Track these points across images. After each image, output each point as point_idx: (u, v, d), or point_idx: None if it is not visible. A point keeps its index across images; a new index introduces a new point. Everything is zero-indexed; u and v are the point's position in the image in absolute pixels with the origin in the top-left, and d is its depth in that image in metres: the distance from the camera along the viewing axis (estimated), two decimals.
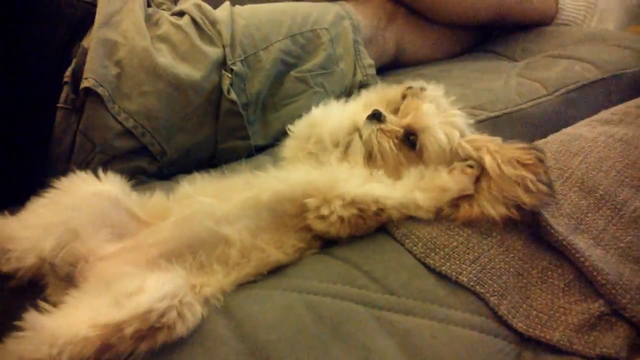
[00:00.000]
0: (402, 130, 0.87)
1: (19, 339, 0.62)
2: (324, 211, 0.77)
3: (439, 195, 0.80)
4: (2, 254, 0.74)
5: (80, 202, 0.78)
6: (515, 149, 0.81)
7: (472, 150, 0.83)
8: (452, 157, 0.85)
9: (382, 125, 0.86)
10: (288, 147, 0.97)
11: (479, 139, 0.86)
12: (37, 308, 0.66)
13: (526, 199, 0.77)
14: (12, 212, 0.79)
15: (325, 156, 0.89)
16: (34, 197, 0.79)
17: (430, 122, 0.86)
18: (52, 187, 0.80)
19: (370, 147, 0.86)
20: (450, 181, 0.80)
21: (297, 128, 0.97)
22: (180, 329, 0.65)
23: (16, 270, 0.74)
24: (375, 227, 0.82)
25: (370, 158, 0.86)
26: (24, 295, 0.73)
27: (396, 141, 0.86)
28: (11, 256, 0.74)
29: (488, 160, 0.80)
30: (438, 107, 0.90)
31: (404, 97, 0.92)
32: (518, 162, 0.79)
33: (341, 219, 0.77)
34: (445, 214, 0.81)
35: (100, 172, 0.83)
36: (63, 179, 0.81)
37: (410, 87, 0.92)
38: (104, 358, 0.61)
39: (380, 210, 0.79)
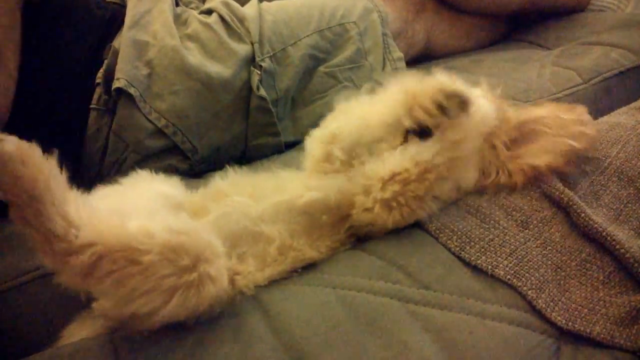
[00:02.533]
0: None
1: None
2: (368, 204, 0.76)
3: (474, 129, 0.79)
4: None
5: (140, 199, 0.79)
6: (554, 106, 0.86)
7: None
8: None
9: None
10: (308, 167, 0.89)
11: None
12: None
13: (579, 144, 0.82)
14: None
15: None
16: (100, 186, 0.81)
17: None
18: (117, 182, 0.82)
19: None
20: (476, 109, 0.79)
21: (314, 147, 0.88)
22: (208, 272, 0.63)
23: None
24: (425, 203, 0.78)
25: None
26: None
27: None
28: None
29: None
30: None
31: (440, 108, 0.75)
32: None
33: (386, 203, 0.75)
34: (497, 180, 0.83)
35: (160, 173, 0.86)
36: (128, 177, 0.83)
37: (451, 94, 0.76)
38: (128, 269, 0.59)
39: (425, 172, 0.75)
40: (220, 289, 0.66)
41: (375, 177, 0.76)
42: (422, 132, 0.78)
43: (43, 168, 0.58)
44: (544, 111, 0.86)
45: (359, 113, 0.86)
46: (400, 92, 0.80)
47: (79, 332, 0.72)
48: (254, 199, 0.80)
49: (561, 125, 0.83)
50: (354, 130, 0.83)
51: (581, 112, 0.85)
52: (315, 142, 0.88)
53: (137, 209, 0.74)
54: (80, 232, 0.58)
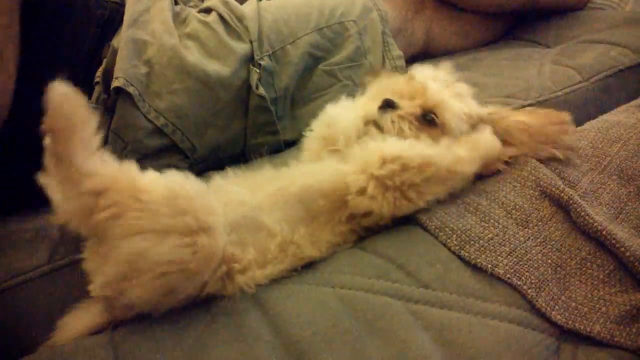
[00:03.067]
0: (419, 110, 0.87)
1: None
2: (361, 181, 0.76)
3: (474, 147, 0.82)
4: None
5: None
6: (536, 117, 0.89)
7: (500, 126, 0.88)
8: (473, 125, 0.88)
9: (399, 111, 0.87)
10: (308, 149, 0.95)
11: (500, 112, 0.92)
12: None
13: (559, 154, 0.87)
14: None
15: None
16: None
17: (442, 97, 0.88)
18: None
19: (391, 134, 0.86)
20: (482, 138, 0.85)
21: (316, 129, 0.95)
22: (206, 230, 0.66)
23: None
24: (421, 194, 0.79)
25: None
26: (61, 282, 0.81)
27: (416, 123, 0.87)
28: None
29: (524, 139, 0.87)
30: (443, 83, 0.91)
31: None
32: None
33: (381, 181, 0.76)
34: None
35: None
36: None
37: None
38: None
39: (426, 165, 0.76)
40: (216, 246, 0.68)
41: (377, 153, 0.77)
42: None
43: (83, 110, 0.67)
44: (530, 119, 0.89)
45: (349, 106, 0.95)
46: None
47: (73, 323, 0.72)
48: (252, 192, 0.80)
49: (545, 135, 0.88)
50: (345, 115, 0.91)
51: (565, 119, 0.88)
52: (317, 125, 0.94)
53: None
54: (96, 164, 0.66)
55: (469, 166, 0.81)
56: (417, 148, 0.78)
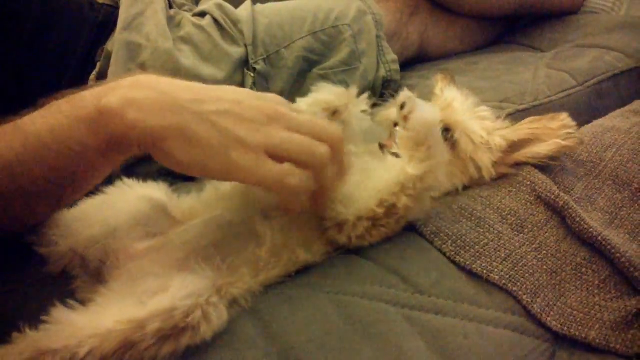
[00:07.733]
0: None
1: (41, 330, 0.62)
2: (359, 229, 0.75)
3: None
4: (45, 236, 0.78)
5: (123, 204, 0.80)
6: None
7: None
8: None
9: None
10: None
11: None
12: (65, 305, 0.65)
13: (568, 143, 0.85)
14: None
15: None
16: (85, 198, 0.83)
17: (462, 117, 0.86)
18: (102, 191, 0.83)
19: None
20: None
21: None
22: (205, 331, 0.64)
23: (49, 254, 0.77)
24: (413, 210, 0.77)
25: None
26: (53, 289, 0.75)
27: None
28: (50, 239, 0.77)
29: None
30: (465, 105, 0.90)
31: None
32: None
33: (382, 231, 0.76)
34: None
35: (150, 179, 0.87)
36: (113, 186, 0.85)
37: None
38: (126, 357, 0.61)
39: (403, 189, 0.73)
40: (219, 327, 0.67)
41: (367, 207, 0.74)
42: None
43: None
44: (533, 125, 0.88)
45: None
46: None
47: None
48: (247, 199, 0.79)
49: (549, 133, 0.86)
50: None
51: (564, 117, 0.87)
52: None
53: (121, 218, 0.77)
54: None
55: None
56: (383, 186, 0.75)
